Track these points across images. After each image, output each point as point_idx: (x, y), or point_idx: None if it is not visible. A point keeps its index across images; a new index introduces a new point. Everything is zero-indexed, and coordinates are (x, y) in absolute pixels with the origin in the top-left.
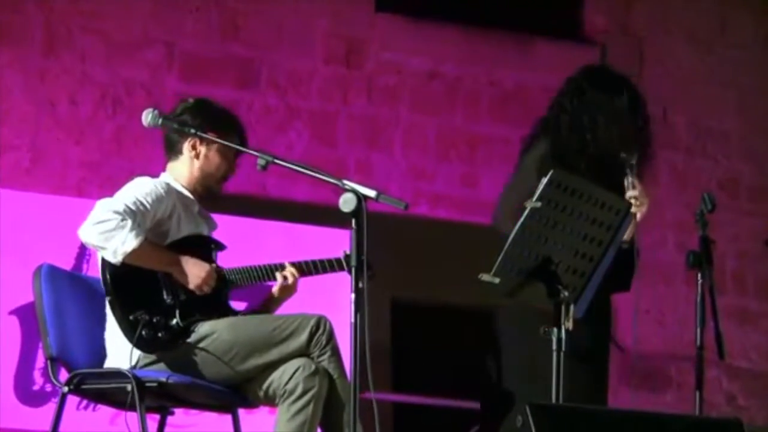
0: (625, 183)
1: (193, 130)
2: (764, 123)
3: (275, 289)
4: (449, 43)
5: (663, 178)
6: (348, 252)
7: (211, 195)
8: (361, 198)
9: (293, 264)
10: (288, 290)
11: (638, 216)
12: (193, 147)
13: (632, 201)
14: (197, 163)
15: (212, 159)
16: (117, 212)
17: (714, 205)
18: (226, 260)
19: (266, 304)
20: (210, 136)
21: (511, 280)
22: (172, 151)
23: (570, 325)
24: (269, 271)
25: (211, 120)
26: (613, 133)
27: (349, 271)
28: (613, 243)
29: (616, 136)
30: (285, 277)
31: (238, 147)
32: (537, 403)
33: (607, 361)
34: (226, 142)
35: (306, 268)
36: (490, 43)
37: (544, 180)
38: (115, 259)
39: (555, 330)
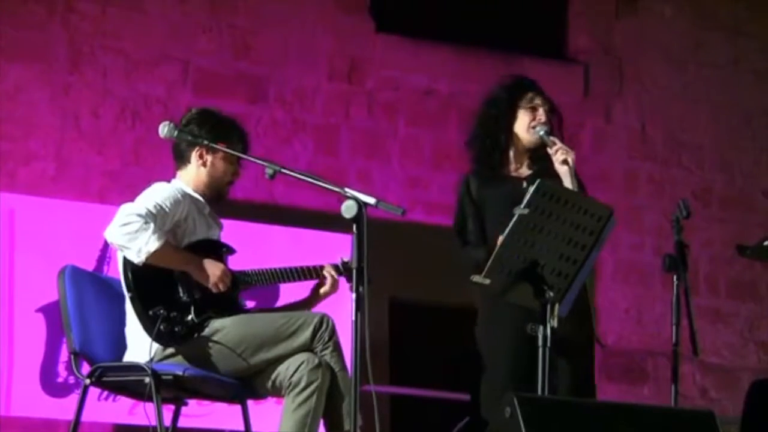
0: (548, 149)
1: (205, 141)
2: (735, 137)
3: (323, 289)
4: (444, 62)
5: (642, 187)
6: (345, 259)
7: (219, 198)
8: (361, 205)
9: (325, 267)
10: (332, 288)
11: (570, 161)
12: (201, 156)
13: (559, 152)
14: (205, 170)
15: (218, 165)
16: (140, 215)
17: (689, 212)
18: (236, 262)
19: (308, 301)
20: (216, 145)
21: (501, 281)
22: (181, 159)
23: (555, 323)
24: (275, 275)
25: (216, 129)
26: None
27: (348, 276)
28: (596, 247)
29: (507, 120)
30: (330, 276)
31: (241, 155)
32: (524, 395)
33: (592, 357)
34: (231, 151)
35: (312, 273)
36: (481, 62)
37: (531, 189)
38: (138, 258)
39: (541, 327)
